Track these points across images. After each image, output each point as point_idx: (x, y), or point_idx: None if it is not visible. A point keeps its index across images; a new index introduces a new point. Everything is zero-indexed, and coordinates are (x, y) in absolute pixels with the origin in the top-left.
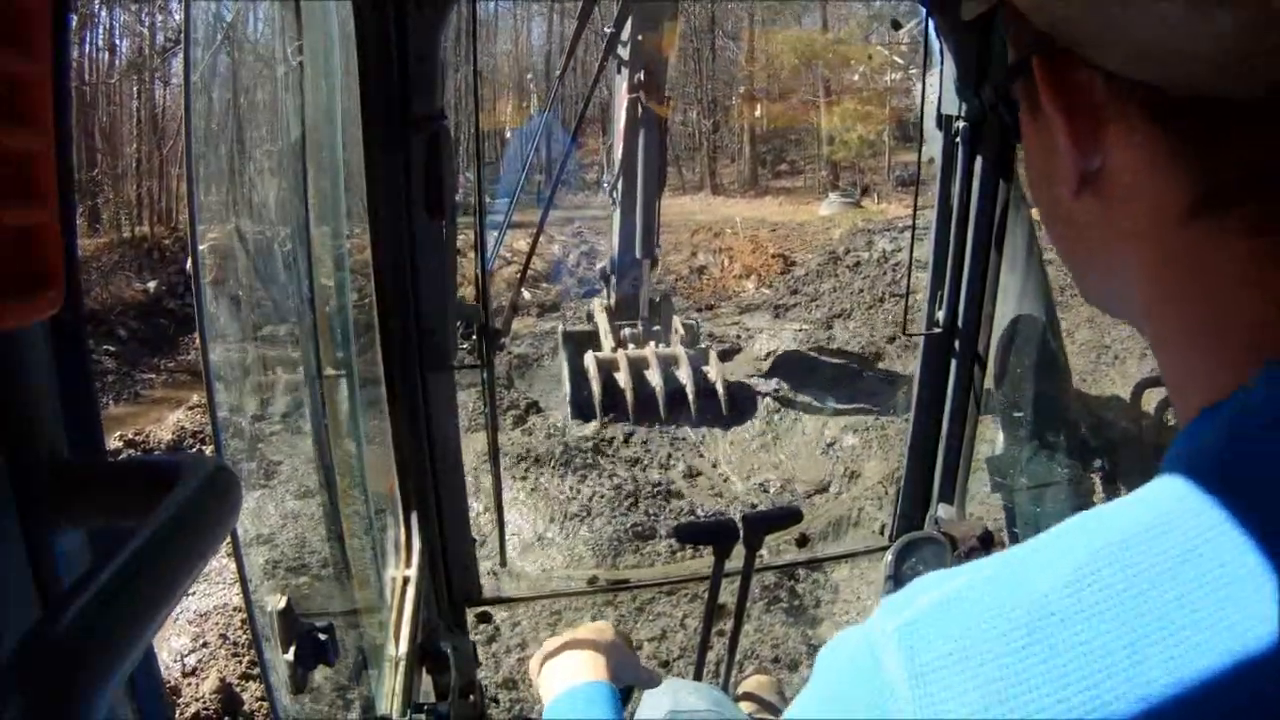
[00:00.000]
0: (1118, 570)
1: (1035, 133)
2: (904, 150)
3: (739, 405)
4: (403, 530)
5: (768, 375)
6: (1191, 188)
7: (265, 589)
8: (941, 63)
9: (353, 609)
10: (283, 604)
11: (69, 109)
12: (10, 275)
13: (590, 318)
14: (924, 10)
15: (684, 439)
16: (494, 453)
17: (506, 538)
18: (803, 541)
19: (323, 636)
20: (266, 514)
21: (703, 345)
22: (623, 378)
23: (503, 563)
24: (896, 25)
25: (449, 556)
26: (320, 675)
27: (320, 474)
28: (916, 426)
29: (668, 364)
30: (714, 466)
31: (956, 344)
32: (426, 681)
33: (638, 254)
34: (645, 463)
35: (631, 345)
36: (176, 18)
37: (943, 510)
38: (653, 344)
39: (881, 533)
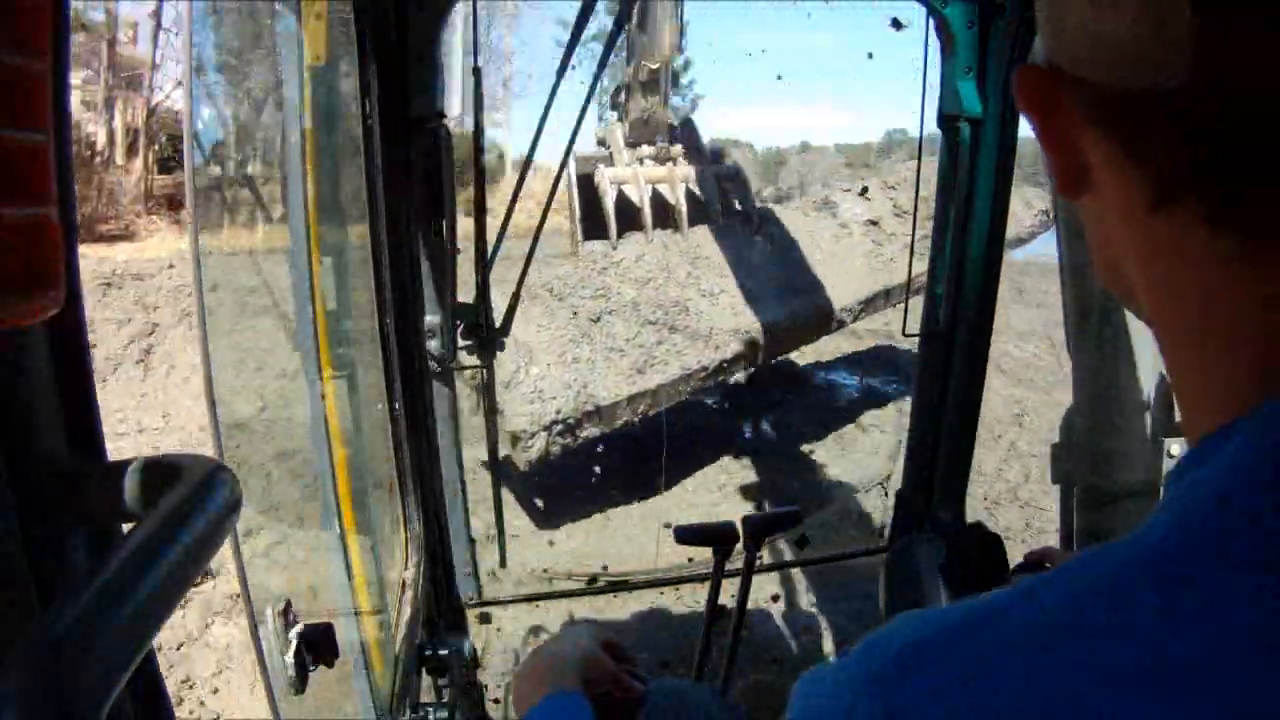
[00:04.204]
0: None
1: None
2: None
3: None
4: (403, 531)
5: None
6: (1144, 183)
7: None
8: (942, 62)
9: (353, 609)
10: (282, 604)
11: (69, 108)
12: (10, 275)
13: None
14: (924, 9)
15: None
16: (493, 453)
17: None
18: (802, 542)
19: (323, 637)
20: (266, 514)
21: (728, 163)
22: (635, 193)
23: (502, 564)
24: (897, 25)
25: (449, 557)
26: (320, 675)
27: (321, 474)
28: (915, 427)
29: (687, 182)
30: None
31: (956, 344)
32: (427, 682)
33: (662, 51)
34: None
35: (650, 163)
36: None
37: (942, 511)
38: (673, 160)
39: (880, 534)
